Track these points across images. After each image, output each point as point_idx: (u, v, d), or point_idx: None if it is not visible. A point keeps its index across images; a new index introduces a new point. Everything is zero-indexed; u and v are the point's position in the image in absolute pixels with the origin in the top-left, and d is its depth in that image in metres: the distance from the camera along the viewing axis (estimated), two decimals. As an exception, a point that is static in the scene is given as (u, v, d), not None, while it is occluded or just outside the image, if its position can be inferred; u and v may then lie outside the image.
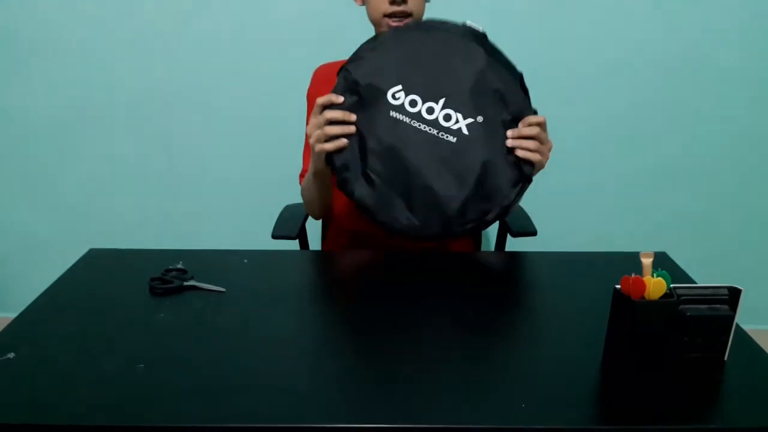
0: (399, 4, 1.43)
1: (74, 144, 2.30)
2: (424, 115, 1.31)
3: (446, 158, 1.30)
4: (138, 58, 2.19)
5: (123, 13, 2.13)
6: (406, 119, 1.31)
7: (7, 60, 2.20)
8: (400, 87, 1.32)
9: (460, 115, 1.31)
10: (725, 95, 2.21)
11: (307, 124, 1.69)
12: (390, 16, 1.45)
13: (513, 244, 1.74)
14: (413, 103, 1.32)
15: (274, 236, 1.66)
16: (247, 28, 2.15)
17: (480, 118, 1.31)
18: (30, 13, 2.14)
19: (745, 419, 0.93)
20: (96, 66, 2.20)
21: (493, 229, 1.84)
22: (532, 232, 1.70)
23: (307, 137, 1.69)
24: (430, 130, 1.31)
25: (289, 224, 1.72)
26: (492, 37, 2.13)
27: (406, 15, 1.45)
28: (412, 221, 1.31)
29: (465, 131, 1.30)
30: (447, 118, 1.31)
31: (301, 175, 1.71)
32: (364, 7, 1.56)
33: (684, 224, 2.36)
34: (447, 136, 1.30)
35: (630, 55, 2.17)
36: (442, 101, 1.31)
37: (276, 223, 1.73)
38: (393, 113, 1.32)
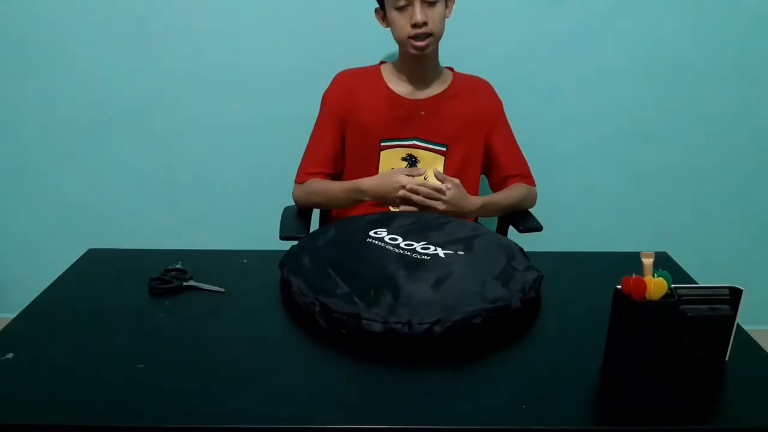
0: (420, 27, 1.57)
1: (74, 144, 2.28)
2: (401, 245, 1.29)
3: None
4: (138, 57, 2.18)
5: (123, 13, 2.13)
6: (381, 244, 1.29)
7: (6, 60, 2.19)
8: (384, 230, 1.35)
9: (439, 248, 1.27)
10: (727, 95, 2.20)
11: (317, 124, 1.76)
12: (413, 37, 1.59)
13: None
14: (393, 239, 1.31)
15: (282, 237, 1.65)
16: (250, 29, 2.15)
17: (461, 252, 1.26)
18: (29, 14, 2.13)
19: (746, 419, 0.93)
20: (96, 66, 2.19)
21: (494, 226, 1.83)
22: (538, 228, 1.71)
23: (316, 139, 1.75)
24: (402, 251, 1.26)
25: (294, 225, 1.71)
26: (494, 37, 2.14)
27: (428, 35, 1.59)
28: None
29: (441, 255, 1.25)
30: (425, 248, 1.28)
31: (306, 173, 1.74)
32: (383, 27, 1.68)
33: (685, 224, 2.35)
34: (420, 256, 1.24)
35: (633, 56, 2.16)
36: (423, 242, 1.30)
37: (281, 224, 1.72)
38: (370, 240, 1.31)
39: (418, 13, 1.56)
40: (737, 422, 0.93)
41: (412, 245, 1.28)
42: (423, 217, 1.46)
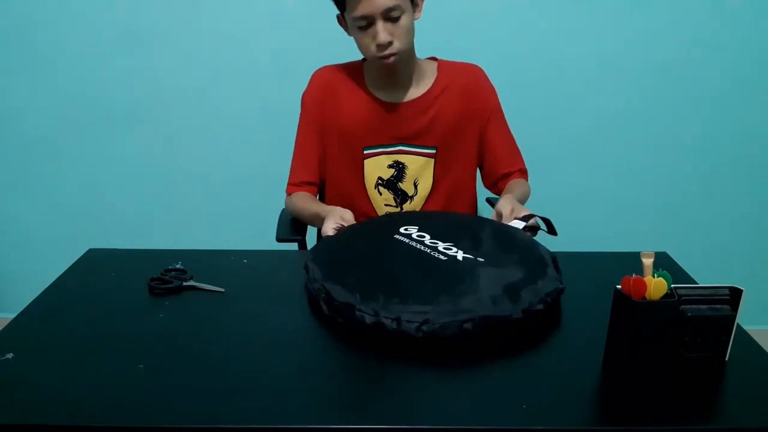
0: (386, 48, 1.46)
1: (74, 143, 2.29)
2: (426, 241, 1.27)
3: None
4: (138, 57, 2.18)
5: (123, 11, 2.13)
6: (405, 240, 1.28)
7: (7, 59, 2.19)
8: (416, 227, 1.32)
9: (461, 251, 1.23)
10: (726, 95, 2.20)
11: (299, 129, 1.68)
12: (380, 57, 1.48)
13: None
14: (420, 236, 1.29)
15: (279, 239, 1.65)
16: (249, 29, 2.15)
17: (480, 259, 1.20)
18: (30, 12, 2.13)
19: (746, 419, 0.92)
20: (96, 65, 2.19)
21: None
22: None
23: (299, 145, 1.69)
24: (423, 248, 1.25)
25: (291, 227, 1.71)
26: (494, 38, 2.13)
27: (393, 53, 1.48)
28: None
29: (459, 258, 1.21)
30: (447, 248, 1.25)
31: (292, 184, 1.68)
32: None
33: (685, 224, 2.35)
34: (438, 255, 1.22)
35: (631, 55, 2.16)
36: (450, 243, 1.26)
37: (278, 226, 1.72)
38: (397, 236, 1.30)
39: (381, 33, 1.43)
40: (737, 422, 0.92)
41: (436, 244, 1.25)
42: (467, 219, 1.45)
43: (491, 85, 1.67)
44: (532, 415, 0.91)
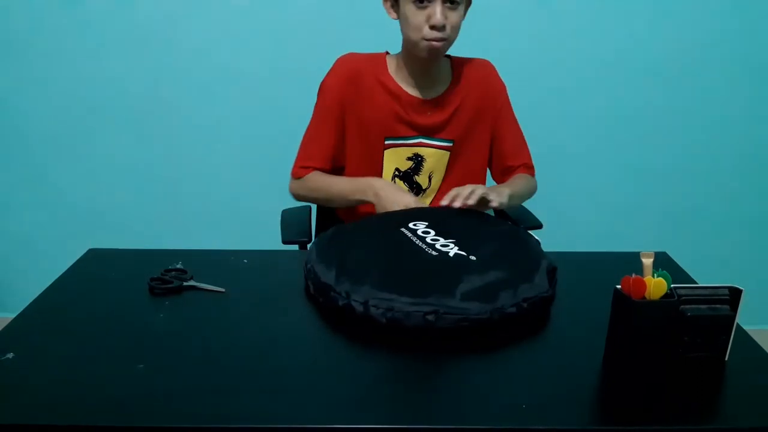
0: (440, 31, 1.44)
1: (74, 143, 2.29)
2: (428, 239, 1.26)
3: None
4: (139, 56, 2.18)
5: (123, 10, 2.13)
6: (408, 234, 1.29)
7: (7, 59, 2.19)
8: (426, 223, 1.33)
9: (456, 248, 1.23)
10: (726, 96, 2.20)
11: (315, 114, 1.64)
12: (430, 39, 1.46)
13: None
14: (425, 232, 1.29)
15: (285, 241, 1.64)
16: (250, 29, 2.15)
17: (473, 257, 1.21)
18: (30, 13, 2.13)
19: (745, 419, 0.92)
20: (96, 64, 2.19)
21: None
22: (538, 226, 1.69)
23: (313, 130, 1.64)
24: (420, 243, 1.25)
25: (296, 229, 1.70)
26: (496, 38, 2.13)
27: (443, 40, 1.47)
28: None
29: (450, 255, 1.22)
30: (444, 245, 1.25)
31: (303, 167, 1.64)
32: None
33: (685, 224, 2.35)
34: (430, 251, 1.22)
35: (631, 55, 2.16)
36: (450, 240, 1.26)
37: (282, 228, 1.71)
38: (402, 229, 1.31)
39: (439, 14, 1.41)
40: (737, 422, 0.92)
41: (437, 240, 1.26)
42: (484, 220, 1.43)
43: (501, 80, 1.70)
44: (532, 415, 0.91)
